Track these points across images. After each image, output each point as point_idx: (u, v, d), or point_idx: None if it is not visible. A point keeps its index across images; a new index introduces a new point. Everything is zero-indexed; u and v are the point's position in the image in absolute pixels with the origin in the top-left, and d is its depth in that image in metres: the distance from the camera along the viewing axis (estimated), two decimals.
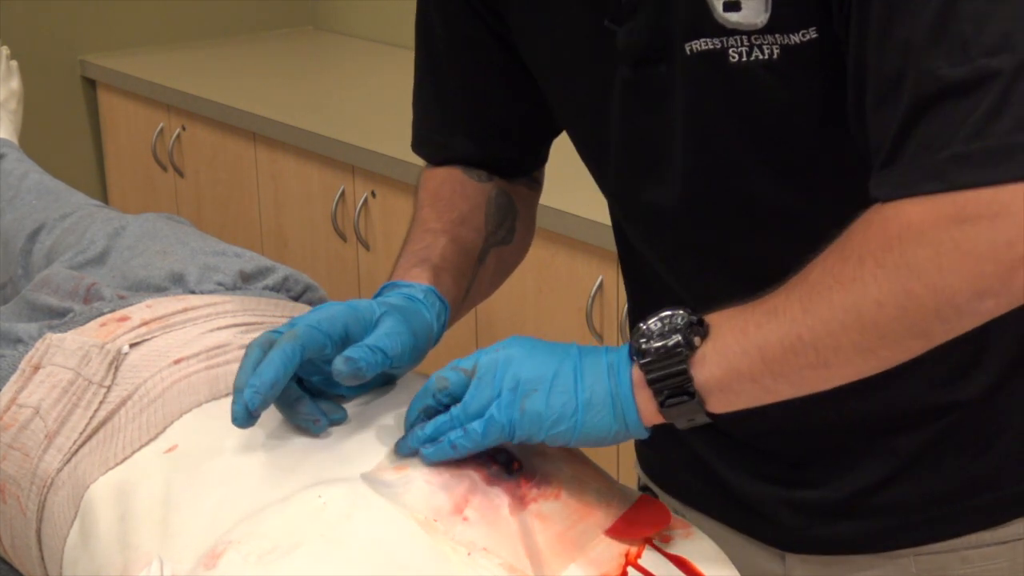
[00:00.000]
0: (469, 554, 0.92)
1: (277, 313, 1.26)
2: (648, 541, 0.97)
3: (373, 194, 2.77)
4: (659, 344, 0.94)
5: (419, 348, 1.07)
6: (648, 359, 0.94)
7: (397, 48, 3.54)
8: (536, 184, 1.32)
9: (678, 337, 0.93)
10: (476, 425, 0.95)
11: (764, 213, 1.07)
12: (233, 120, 3.12)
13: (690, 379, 0.93)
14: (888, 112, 0.89)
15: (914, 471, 1.14)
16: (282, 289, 1.36)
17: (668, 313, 0.95)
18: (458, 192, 1.24)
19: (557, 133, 1.28)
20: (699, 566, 0.97)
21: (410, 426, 0.99)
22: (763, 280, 1.02)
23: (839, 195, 1.01)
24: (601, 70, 1.08)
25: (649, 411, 0.95)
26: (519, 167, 1.29)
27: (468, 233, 1.21)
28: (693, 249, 1.13)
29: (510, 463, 0.98)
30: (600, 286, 2.29)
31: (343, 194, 2.85)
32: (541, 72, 1.18)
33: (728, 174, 1.06)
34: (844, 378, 0.92)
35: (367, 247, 2.83)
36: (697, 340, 0.94)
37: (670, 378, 0.93)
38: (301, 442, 1.02)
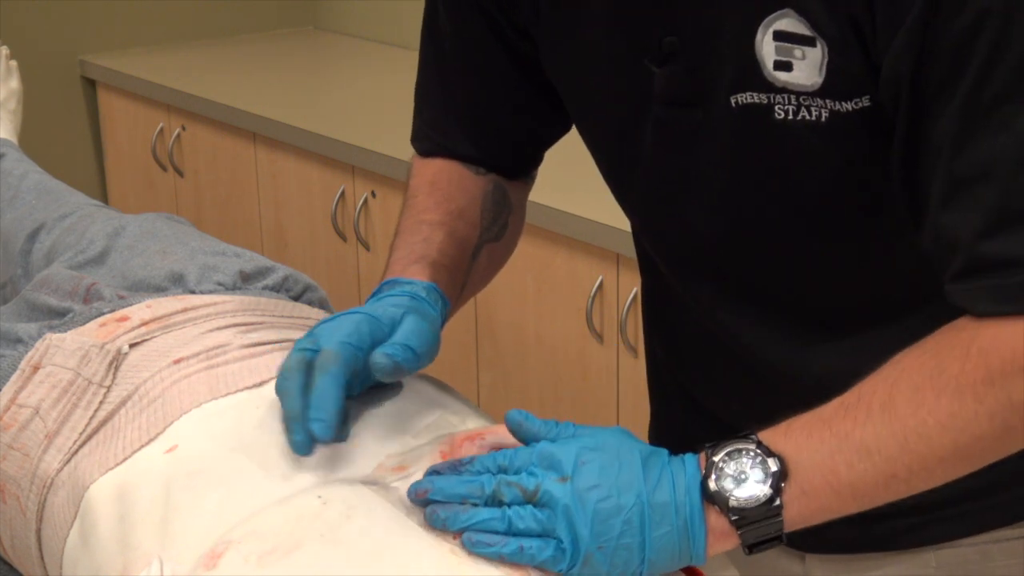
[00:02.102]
0: (470, 555, 0.92)
1: (277, 313, 1.26)
2: None
3: (373, 194, 2.77)
4: (747, 497, 0.89)
5: (436, 346, 1.07)
6: (738, 517, 0.90)
7: (397, 48, 3.54)
8: (530, 179, 1.32)
9: (768, 490, 0.89)
10: (534, 549, 0.90)
11: (789, 258, 1.07)
12: (233, 120, 3.11)
13: (782, 527, 0.91)
14: (968, 216, 0.89)
15: None
16: (282, 289, 1.36)
17: (736, 447, 0.91)
18: (455, 184, 1.23)
19: (557, 139, 1.28)
20: (700, 566, 0.96)
21: (445, 498, 0.93)
22: (779, 312, 1.02)
23: (868, 245, 1.03)
24: (634, 104, 1.08)
25: (720, 548, 0.92)
26: (516, 169, 1.28)
27: (464, 228, 1.20)
28: (711, 279, 1.13)
29: None
30: (600, 286, 2.29)
31: (343, 194, 2.85)
32: (568, 95, 1.17)
33: (759, 222, 1.06)
34: (918, 492, 0.93)
35: (367, 247, 2.83)
36: (782, 484, 0.90)
37: (764, 535, 0.90)
38: None
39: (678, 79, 1.03)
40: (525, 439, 0.95)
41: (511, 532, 0.90)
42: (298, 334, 1.19)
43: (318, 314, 1.28)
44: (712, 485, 0.90)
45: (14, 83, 2.08)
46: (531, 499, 0.90)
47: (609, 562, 0.89)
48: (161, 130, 3.35)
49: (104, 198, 3.62)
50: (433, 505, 0.93)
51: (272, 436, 1.03)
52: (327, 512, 0.93)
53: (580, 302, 2.33)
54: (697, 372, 1.24)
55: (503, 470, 0.93)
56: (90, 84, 3.59)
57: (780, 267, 1.08)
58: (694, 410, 1.24)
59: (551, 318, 2.42)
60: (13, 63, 2.10)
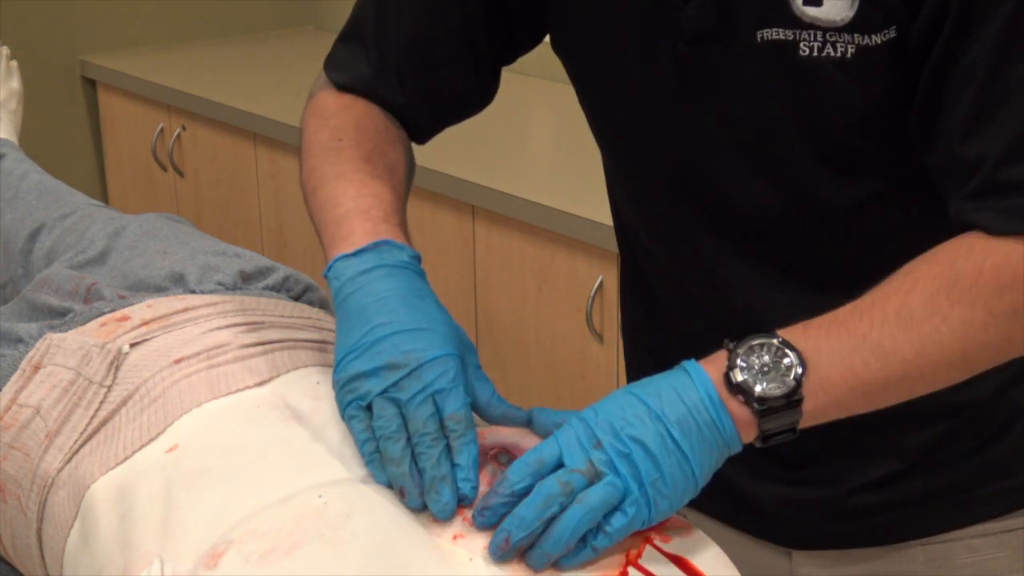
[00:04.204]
0: (471, 559, 0.92)
1: (277, 313, 1.26)
2: (648, 540, 0.97)
3: None
4: (771, 387, 0.93)
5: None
6: (763, 408, 0.93)
7: None
8: None
9: (792, 382, 0.93)
10: (617, 523, 0.91)
11: (806, 203, 1.07)
12: (233, 120, 3.12)
13: (799, 419, 0.94)
14: (991, 139, 0.92)
15: (922, 467, 1.14)
16: (282, 289, 1.36)
17: (759, 342, 0.94)
18: (383, 134, 1.16)
19: (475, 110, 1.23)
20: (699, 565, 0.97)
21: (526, 530, 0.91)
22: (787, 268, 1.01)
23: (888, 197, 1.04)
24: (654, 44, 1.06)
25: (744, 438, 0.96)
26: (422, 133, 1.23)
27: (398, 186, 1.14)
28: (718, 229, 1.11)
29: (510, 463, 0.98)
30: (600, 286, 2.29)
31: None
32: (575, 51, 1.15)
33: (778, 164, 1.05)
34: (917, 396, 0.97)
35: None
36: (803, 377, 0.93)
37: (782, 426, 0.94)
38: (302, 443, 1.02)
39: (707, 11, 1.02)
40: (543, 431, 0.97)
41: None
42: (298, 334, 1.19)
43: (318, 314, 1.29)
44: (737, 376, 0.93)
45: (14, 83, 2.08)
46: (592, 475, 0.90)
47: (672, 489, 0.92)
48: (161, 130, 3.35)
49: (104, 198, 3.62)
50: (530, 551, 0.91)
51: (272, 435, 1.03)
52: (328, 511, 0.93)
53: (580, 302, 2.34)
54: (681, 350, 1.22)
55: (545, 467, 0.92)
56: (90, 84, 3.59)
57: (796, 214, 1.07)
58: None
59: (551, 318, 2.42)
60: (13, 63, 2.10)
